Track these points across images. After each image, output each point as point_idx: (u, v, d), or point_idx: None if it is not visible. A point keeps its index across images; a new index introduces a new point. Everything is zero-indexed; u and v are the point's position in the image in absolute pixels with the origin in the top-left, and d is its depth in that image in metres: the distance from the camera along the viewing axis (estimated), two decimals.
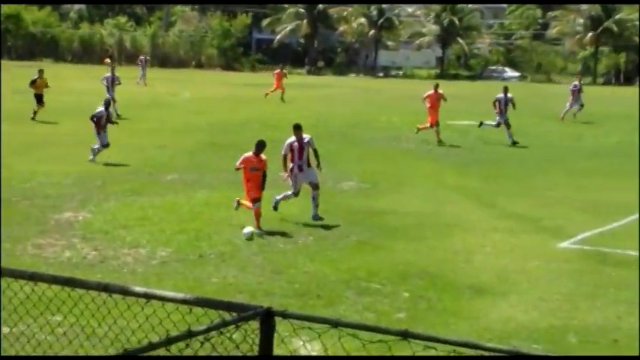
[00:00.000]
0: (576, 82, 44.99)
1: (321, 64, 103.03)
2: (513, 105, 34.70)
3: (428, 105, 33.94)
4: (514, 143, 33.21)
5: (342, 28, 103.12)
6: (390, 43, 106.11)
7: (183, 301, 5.32)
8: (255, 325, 4.91)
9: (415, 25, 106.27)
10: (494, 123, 34.77)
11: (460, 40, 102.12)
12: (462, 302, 13.74)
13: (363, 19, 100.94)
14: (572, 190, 23.74)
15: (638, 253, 17.01)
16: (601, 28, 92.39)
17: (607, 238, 18.48)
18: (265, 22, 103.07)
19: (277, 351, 5.04)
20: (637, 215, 20.56)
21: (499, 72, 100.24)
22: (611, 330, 12.74)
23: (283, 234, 17.76)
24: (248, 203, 18.14)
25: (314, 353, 8.26)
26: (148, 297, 5.34)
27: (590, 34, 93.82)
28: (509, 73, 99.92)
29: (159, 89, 56.36)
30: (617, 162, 29.80)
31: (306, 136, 19.27)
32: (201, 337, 4.77)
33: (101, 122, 26.32)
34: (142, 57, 67.22)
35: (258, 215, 17.90)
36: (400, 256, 16.32)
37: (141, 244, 16.54)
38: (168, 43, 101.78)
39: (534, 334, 12.35)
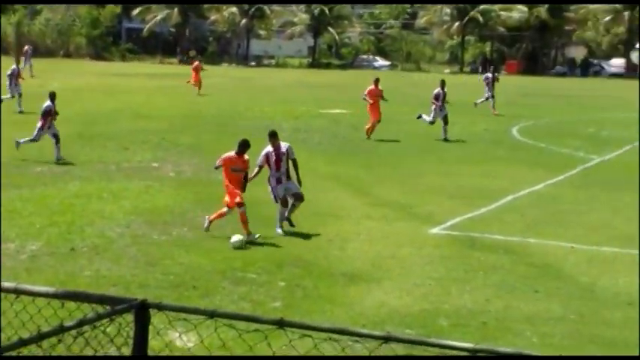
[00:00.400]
0: (489, 74, 43.92)
1: (192, 53, 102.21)
2: (447, 101, 33.57)
3: (370, 102, 32.38)
4: (445, 140, 32.13)
5: (213, 17, 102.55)
6: (262, 32, 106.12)
7: (55, 296, 5.19)
8: (129, 318, 4.84)
9: (287, 14, 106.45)
10: (429, 119, 33.14)
11: (331, 30, 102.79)
12: (337, 289, 13.85)
13: (234, 8, 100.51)
14: (443, 177, 24.17)
15: (504, 237, 17.49)
16: (467, 17, 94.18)
17: (476, 224, 18.87)
18: (135, 11, 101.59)
19: (152, 343, 4.99)
20: (504, 201, 21.11)
21: (370, 61, 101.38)
22: (480, 313, 13.02)
23: (158, 225, 17.56)
24: (223, 209, 16.92)
25: (190, 345, 8.20)
26: (18, 292, 5.19)
27: (456, 23, 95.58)
28: (380, 61, 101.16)
29: (27, 80, 55.02)
30: (485, 149, 30.48)
31: (283, 145, 17.71)
32: (74, 332, 4.68)
33: (48, 116, 25.36)
34: (26, 47, 65.79)
35: (245, 221, 16.63)
36: (275, 246, 16.35)
37: (9, 238, 16.10)
38: (34, 32, 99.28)
39: (407, 318, 12.53)
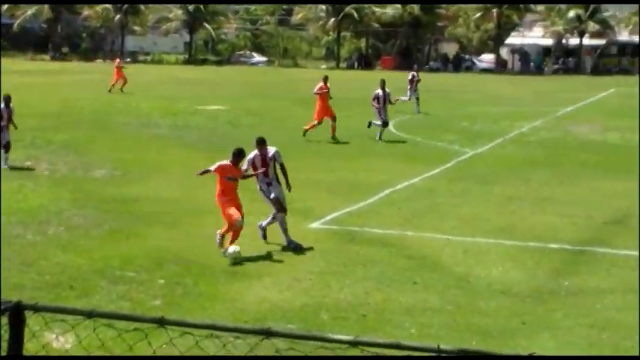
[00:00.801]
0: (414, 73, 42.98)
1: (65, 49, 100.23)
2: (390, 101, 32.09)
3: (319, 100, 31.42)
4: (380, 139, 31.28)
5: (86, 12, 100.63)
6: (136, 28, 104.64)
7: None
8: (3, 320, 4.70)
9: (162, 10, 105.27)
10: (379, 122, 31.53)
11: (207, 25, 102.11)
12: (218, 286, 13.77)
13: (107, 5, 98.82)
14: (321, 173, 24.26)
15: (383, 231, 17.68)
16: (342, 14, 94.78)
17: (355, 218, 19.03)
18: (4, 7, 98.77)
19: (28, 346, 4.85)
20: (382, 194, 21.34)
21: (247, 57, 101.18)
22: (360, 305, 13.13)
23: (32, 225, 17.15)
24: (226, 226, 15.88)
25: (68, 346, 8.03)
26: None
27: (332, 19, 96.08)
28: (257, 57, 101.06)
29: None
30: (362, 144, 30.75)
31: (271, 149, 16.71)
32: None
33: (1, 121, 23.67)
34: None
35: (238, 235, 15.79)
36: (155, 243, 16.16)
37: None
38: None
39: (288, 313, 12.55)
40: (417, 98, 41.83)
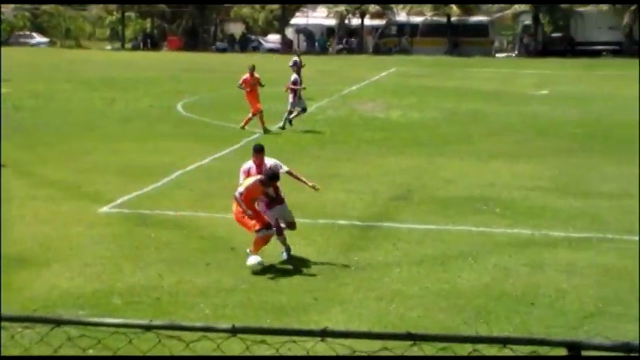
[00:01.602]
0: (296, 58, 37.57)
1: None
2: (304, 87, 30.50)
3: (247, 91, 29.44)
4: (283, 128, 29.50)
5: None
6: None
7: None
8: None
9: None
10: (291, 110, 29.95)
11: None
12: (6, 275, 13.32)
13: None
14: (109, 155, 23.87)
15: (175, 213, 17.58)
16: None
17: (145, 200, 18.84)
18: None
19: None
20: (173, 176, 21.19)
21: (27, 37, 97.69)
22: (154, 289, 13.04)
23: None
24: (260, 240, 14.37)
25: None
26: None
27: None
28: (38, 38, 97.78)
29: None
30: (150, 125, 30.40)
31: (268, 161, 15.13)
32: None
33: None
34: None
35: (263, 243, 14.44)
36: None
37: None
38: None
39: (80, 299, 12.32)
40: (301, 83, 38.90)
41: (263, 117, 29.06)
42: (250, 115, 29.24)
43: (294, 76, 29.89)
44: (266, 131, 28.66)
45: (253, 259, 13.96)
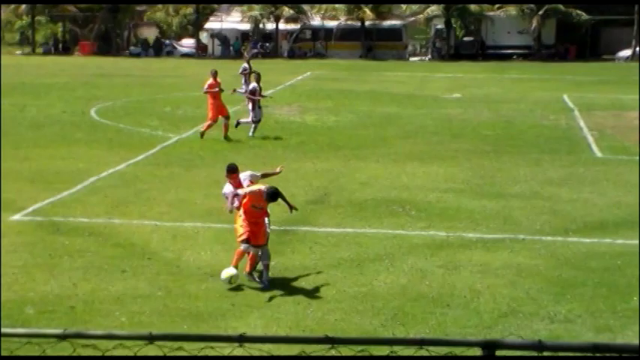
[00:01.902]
0: (245, 65, 37.63)
1: None
2: (263, 95, 29.25)
3: (210, 98, 28.32)
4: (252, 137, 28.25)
5: None
6: None
7: None
8: None
9: None
10: (249, 119, 28.67)
11: None
12: None
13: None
14: (20, 162, 23.43)
15: (89, 220, 17.36)
16: None
17: (59, 208, 18.57)
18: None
19: None
20: (86, 183, 20.92)
21: None
22: (68, 297, 12.88)
23: None
24: (239, 253, 13.89)
25: None
26: None
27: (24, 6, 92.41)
28: None
29: None
30: (63, 131, 29.90)
31: (244, 176, 14.70)
32: None
33: None
34: None
35: (241, 256, 13.90)
36: None
37: None
38: None
39: None
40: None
41: (212, 126, 28.21)
42: (210, 122, 28.25)
43: (253, 84, 28.44)
44: (227, 138, 27.89)
45: (227, 272, 13.46)
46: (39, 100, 38.33)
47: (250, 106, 27.84)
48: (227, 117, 28.42)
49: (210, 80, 28.64)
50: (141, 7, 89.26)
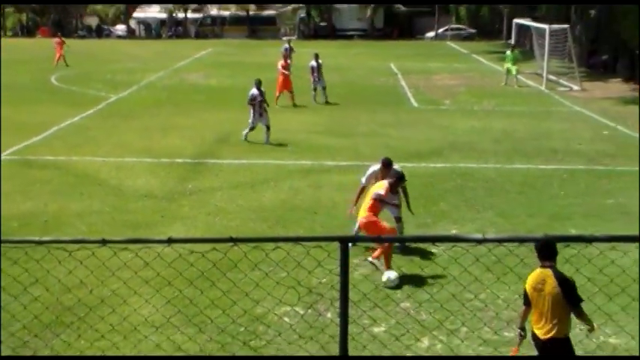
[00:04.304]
0: (286, 45, 33.37)
1: None
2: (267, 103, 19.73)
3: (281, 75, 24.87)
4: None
5: None
6: None
7: None
8: None
9: None
10: (248, 128, 19.06)
11: None
12: None
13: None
14: None
15: (54, 158, 16.79)
16: None
17: (30, 149, 17.89)
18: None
19: None
20: (51, 131, 20.18)
21: None
22: (42, 214, 12.54)
23: None
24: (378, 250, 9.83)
25: None
26: None
27: None
28: None
29: None
30: (30, 94, 28.57)
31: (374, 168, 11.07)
32: None
33: None
34: None
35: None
36: None
37: None
38: None
39: None
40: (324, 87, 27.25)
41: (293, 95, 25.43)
42: (278, 92, 25.25)
43: (252, 90, 19.06)
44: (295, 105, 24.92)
45: (390, 275, 9.43)
46: (9, 70, 36.44)
47: (251, 111, 19.09)
48: (291, 91, 25.38)
49: (282, 61, 26.02)
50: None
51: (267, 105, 19.10)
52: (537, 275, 5.93)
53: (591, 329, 6.01)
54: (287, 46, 33.67)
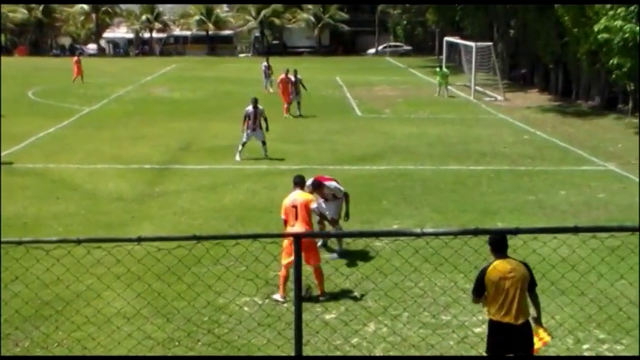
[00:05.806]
0: (265, 63, 33.95)
1: None
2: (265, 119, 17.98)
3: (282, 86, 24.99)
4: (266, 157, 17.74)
5: None
6: None
7: None
8: None
9: None
10: (242, 141, 17.48)
11: None
12: None
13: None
14: None
15: (33, 165, 16.36)
16: None
17: (12, 157, 17.40)
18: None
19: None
20: (29, 141, 19.66)
21: None
22: (22, 216, 12.23)
23: None
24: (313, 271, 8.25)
25: None
26: None
27: None
28: None
29: None
30: (9, 107, 27.74)
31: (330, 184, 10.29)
32: None
33: None
34: None
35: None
36: None
37: None
38: None
39: None
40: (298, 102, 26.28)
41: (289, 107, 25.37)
42: (286, 105, 25.34)
43: (248, 107, 17.70)
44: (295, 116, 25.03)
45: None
46: None
47: (245, 127, 17.57)
48: (289, 102, 25.35)
49: (282, 76, 26.02)
50: (59, 23, 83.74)
51: (266, 121, 17.82)
52: (504, 265, 5.63)
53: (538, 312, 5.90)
54: (265, 64, 33.77)
